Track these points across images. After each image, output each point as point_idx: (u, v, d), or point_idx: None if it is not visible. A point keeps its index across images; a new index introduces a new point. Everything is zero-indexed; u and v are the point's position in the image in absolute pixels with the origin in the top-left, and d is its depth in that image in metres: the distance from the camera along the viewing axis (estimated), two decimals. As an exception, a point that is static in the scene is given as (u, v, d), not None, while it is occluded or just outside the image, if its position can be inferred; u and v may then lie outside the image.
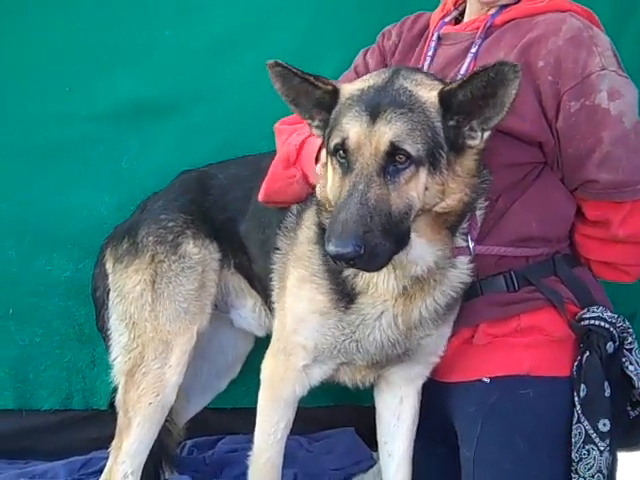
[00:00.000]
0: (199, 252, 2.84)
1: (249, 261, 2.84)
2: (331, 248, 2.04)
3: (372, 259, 2.07)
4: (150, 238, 2.86)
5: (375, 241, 2.05)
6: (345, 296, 2.39)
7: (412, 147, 2.11)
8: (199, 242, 2.85)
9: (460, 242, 2.36)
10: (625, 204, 2.43)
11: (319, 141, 2.42)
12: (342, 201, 2.10)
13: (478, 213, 2.39)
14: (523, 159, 2.48)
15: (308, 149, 2.49)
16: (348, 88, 2.25)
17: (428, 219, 2.23)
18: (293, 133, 2.59)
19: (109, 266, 2.96)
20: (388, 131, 2.11)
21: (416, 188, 2.13)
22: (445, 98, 2.16)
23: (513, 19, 2.50)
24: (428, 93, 2.17)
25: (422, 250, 2.27)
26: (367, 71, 2.73)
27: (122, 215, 3.12)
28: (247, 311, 3.02)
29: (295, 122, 2.67)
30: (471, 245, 2.37)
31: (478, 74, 2.11)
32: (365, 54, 2.84)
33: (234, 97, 3.27)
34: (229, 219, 2.85)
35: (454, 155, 2.18)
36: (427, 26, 2.72)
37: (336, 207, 2.14)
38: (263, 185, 2.62)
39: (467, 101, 2.15)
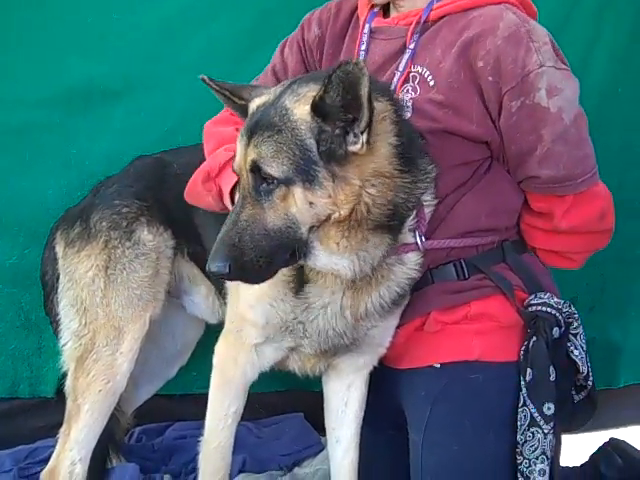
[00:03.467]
0: (153, 239, 2.83)
1: (204, 251, 2.82)
2: (206, 266, 2.17)
3: (245, 274, 2.18)
4: (104, 223, 2.83)
5: (245, 258, 2.14)
6: (296, 282, 2.40)
7: (276, 169, 2.13)
8: (154, 229, 2.84)
9: (408, 238, 2.37)
10: (567, 197, 2.47)
11: None
12: (225, 220, 2.20)
13: (427, 210, 2.40)
14: (472, 157, 2.50)
15: (231, 170, 2.47)
16: (253, 104, 2.28)
17: (328, 229, 2.22)
18: (221, 146, 2.59)
19: (59, 250, 2.92)
20: (253, 155, 2.16)
21: (296, 205, 2.15)
22: (318, 109, 2.13)
23: (447, 14, 2.49)
24: (303, 109, 2.15)
25: (328, 258, 2.26)
26: (285, 71, 2.73)
27: (70, 201, 3.08)
28: (200, 298, 3.01)
29: (225, 122, 2.68)
30: (419, 241, 2.38)
31: (330, 76, 2.07)
32: (283, 50, 2.80)
33: (184, 81, 3.22)
34: (184, 208, 2.82)
35: (338, 165, 2.15)
36: (353, 12, 2.69)
37: None
38: (187, 185, 2.65)
39: (337, 106, 2.12)
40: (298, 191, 2.14)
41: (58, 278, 2.91)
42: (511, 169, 2.52)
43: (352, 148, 2.15)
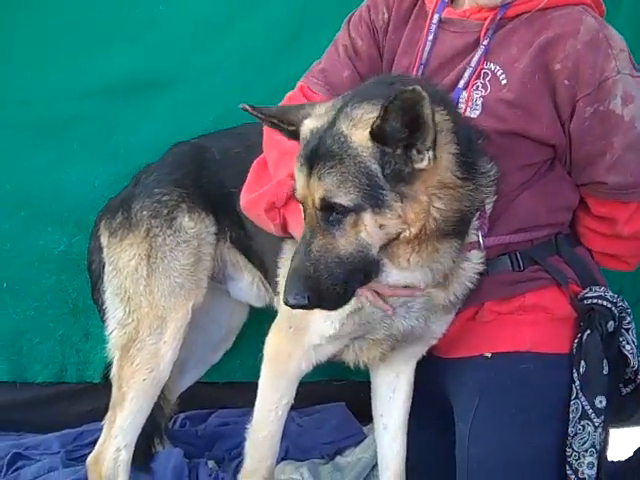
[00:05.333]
0: (195, 226, 2.83)
1: (247, 237, 2.83)
2: (282, 298, 2.17)
3: (324, 302, 2.16)
4: (145, 212, 2.85)
5: (322, 287, 2.13)
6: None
7: (344, 198, 2.10)
8: (195, 216, 2.84)
9: (472, 237, 2.35)
10: (632, 204, 2.45)
11: None
12: (295, 251, 2.19)
13: (487, 207, 2.37)
14: (537, 159, 2.47)
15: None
16: (305, 127, 2.22)
17: (397, 247, 2.20)
18: (282, 157, 2.49)
19: (104, 239, 2.95)
20: (319, 188, 2.12)
21: (366, 230, 2.13)
22: (377, 135, 2.09)
23: (525, 12, 2.44)
24: (362, 134, 2.11)
25: (400, 274, 2.25)
26: (357, 55, 2.65)
27: (116, 190, 3.10)
28: (245, 284, 3.01)
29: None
30: (481, 240, 2.36)
31: (388, 106, 2.03)
32: (349, 31, 2.69)
33: (227, 72, 3.26)
34: (225, 195, 2.83)
35: (405, 185, 2.12)
36: None
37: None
38: (245, 199, 2.58)
39: (397, 129, 2.07)
40: (367, 217, 2.12)
41: (104, 268, 2.94)
42: (575, 172, 2.49)
43: (419, 165, 2.11)
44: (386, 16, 2.65)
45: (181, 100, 3.28)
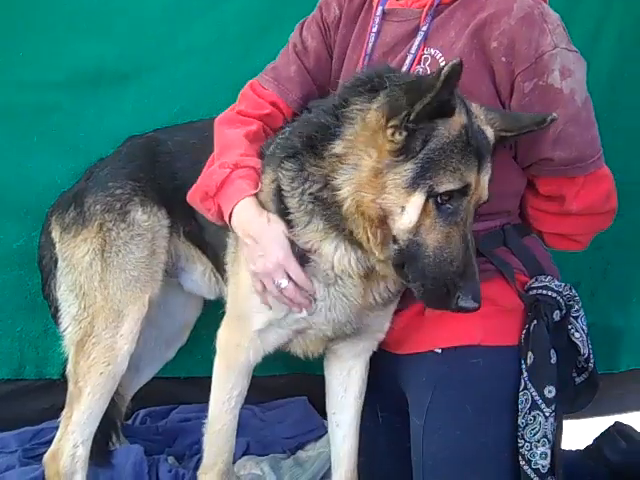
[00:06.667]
0: (148, 219, 2.83)
1: (199, 228, 2.84)
2: (472, 305, 2.22)
3: None
4: (98, 206, 2.83)
5: None
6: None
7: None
8: (148, 209, 2.84)
9: None
10: (578, 179, 2.47)
11: (246, 186, 2.43)
12: (462, 254, 2.22)
13: None
14: None
15: (229, 191, 2.44)
16: (456, 122, 2.22)
17: None
18: (223, 151, 2.53)
19: (55, 235, 2.93)
20: (487, 183, 2.28)
21: None
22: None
23: None
24: (491, 133, 2.32)
25: None
26: (306, 51, 2.70)
27: (77, 184, 3.09)
28: (197, 275, 3.01)
29: (231, 122, 2.62)
30: None
31: (530, 131, 2.34)
32: (301, 31, 2.75)
33: (192, 64, 3.24)
34: (178, 187, 2.82)
35: None
36: None
37: (457, 259, 2.21)
38: (191, 191, 2.61)
39: None
40: None
41: (56, 263, 2.92)
42: (521, 152, 2.51)
43: None
44: (337, 12, 2.70)
45: (145, 92, 3.24)
